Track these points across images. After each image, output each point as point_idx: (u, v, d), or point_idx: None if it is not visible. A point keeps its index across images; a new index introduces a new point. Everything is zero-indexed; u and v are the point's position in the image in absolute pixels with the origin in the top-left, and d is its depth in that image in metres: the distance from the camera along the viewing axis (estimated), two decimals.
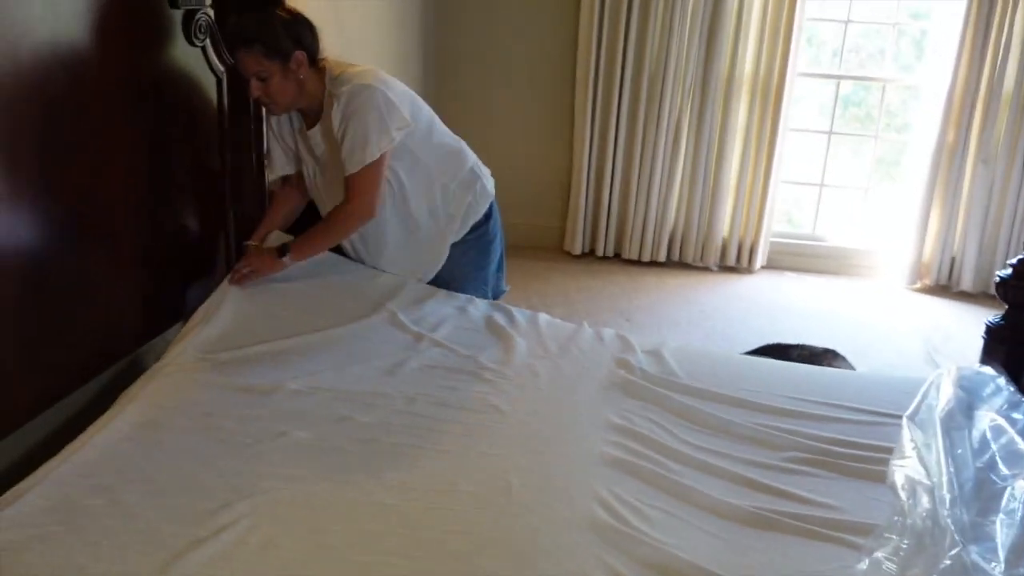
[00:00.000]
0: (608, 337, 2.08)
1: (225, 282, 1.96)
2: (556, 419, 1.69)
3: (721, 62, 4.08)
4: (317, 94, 1.97)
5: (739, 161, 4.24)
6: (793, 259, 4.44)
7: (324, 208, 2.11)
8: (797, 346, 2.85)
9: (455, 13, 4.37)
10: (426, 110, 2.15)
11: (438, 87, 4.47)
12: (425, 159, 2.10)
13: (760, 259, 4.37)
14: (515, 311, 2.18)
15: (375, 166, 1.93)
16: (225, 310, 1.89)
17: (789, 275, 4.36)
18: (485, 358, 1.90)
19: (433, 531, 1.31)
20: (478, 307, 2.18)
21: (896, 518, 1.20)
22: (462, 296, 2.21)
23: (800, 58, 4.11)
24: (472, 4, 4.35)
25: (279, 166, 2.14)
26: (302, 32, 1.92)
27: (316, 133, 2.01)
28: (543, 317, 2.17)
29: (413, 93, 2.12)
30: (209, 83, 1.97)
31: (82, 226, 1.60)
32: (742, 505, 1.41)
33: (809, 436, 1.64)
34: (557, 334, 2.08)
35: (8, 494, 1.33)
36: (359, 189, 1.95)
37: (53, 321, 1.54)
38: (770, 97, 4.09)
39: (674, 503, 1.41)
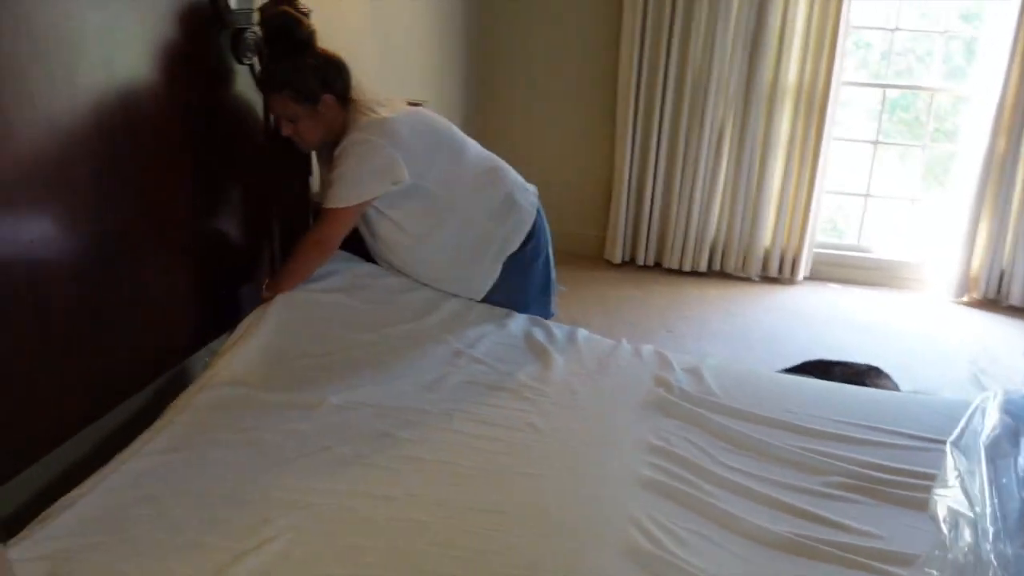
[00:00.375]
0: (647, 354, 2.08)
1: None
2: (594, 439, 1.69)
3: (765, 70, 4.04)
4: (345, 131, 2.00)
5: (782, 170, 4.20)
6: (837, 270, 4.38)
7: None
8: (840, 363, 2.82)
9: (497, 24, 4.39)
10: (447, 149, 2.13)
11: (480, 96, 4.50)
12: (445, 197, 2.09)
13: (803, 270, 4.32)
14: (553, 326, 2.19)
15: (345, 212, 1.96)
16: (269, 323, 1.92)
17: (833, 287, 4.31)
18: (524, 375, 1.91)
19: (469, 551, 1.32)
20: (517, 322, 2.19)
21: (937, 552, 1.18)
22: (501, 310, 2.22)
23: (846, 66, 4.05)
24: (513, 15, 4.36)
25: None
26: (331, 75, 1.97)
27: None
28: (582, 333, 2.17)
29: (436, 133, 2.12)
30: (256, 100, 2.01)
31: (133, 243, 1.64)
32: (780, 531, 1.40)
33: (850, 460, 1.63)
34: (595, 351, 2.09)
35: (60, 502, 1.37)
36: (325, 224, 1.98)
37: (105, 333, 1.58)
38: (814, 106, 4.04)
39: (711, 527, 1.40)
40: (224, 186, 1.95)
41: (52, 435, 1.48)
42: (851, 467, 1.60)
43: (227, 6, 1.83)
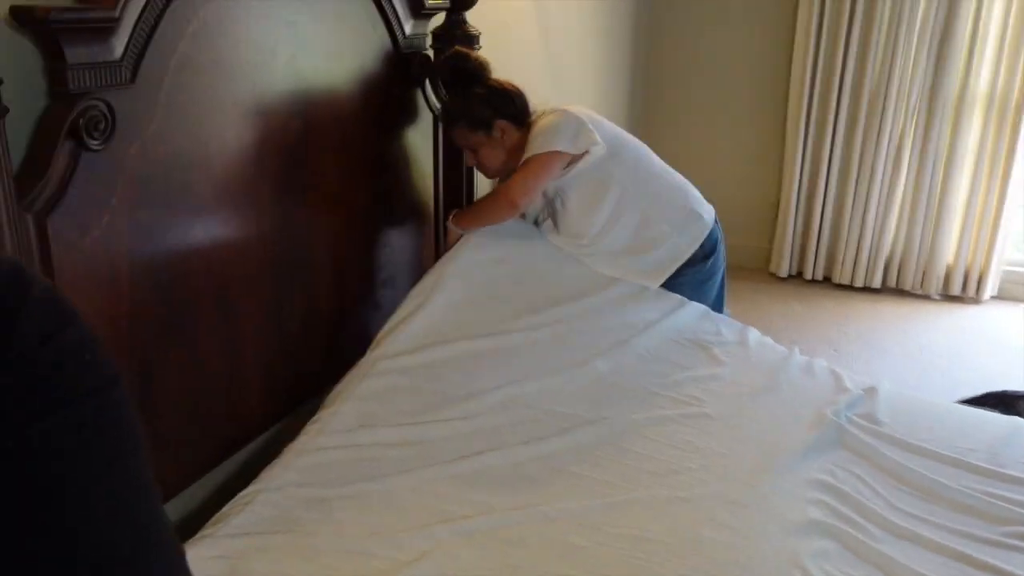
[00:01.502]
0: (820, 371, 1.99)
1: (438, 265, 2.02)
2: (756, 466, 1.63)
3: (952, 77, 3.78)
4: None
5: (969, 183, 3.91)
6: None
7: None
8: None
9: (665, 29, 4.34)
10: (632, 146, 2.21)
11: (645, 105, 4.47)
12: (630, 191, 2.14)
13: (990, 289, 4.01)
14: (724, 325, 2.15)
15: (539, 161, 2.01)
16: (437, 299, 1.93)
17: (1023, 307, 3.98)
18: (688, 381, 1.88)
19: None
20: (689, 313, 2.15)
21: None
22: (675, 297, 2.19)
23: None
24: (683, 21, 4.31)
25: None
26: (502, 103, 2.06)
27: None
28: (753, 334, 2.12)
29: (621, 134, 2.22)
30: (426, 119, 2.10)
31: (310, 259, 1.75)
32: None
33: None
34: (766, 359, 2.03)
35: (236, 500, 1.45)
36: (520, 173, 2.03)
37: (285, 339, 1.70)
38: (1007, 115, 3.74)
39: (875, 575, 1.34)
40: (394, 202, 2.05)
41: (239, 435, 1.61)
42: None
43: (403, 31, 1.92)
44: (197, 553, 1.31)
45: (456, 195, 2.25)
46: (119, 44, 1.21)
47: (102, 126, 1.20)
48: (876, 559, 1.36)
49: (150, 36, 1.26)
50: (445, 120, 2.10)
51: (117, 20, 1.20)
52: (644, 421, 1.74)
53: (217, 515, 1.43)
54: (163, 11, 1.28)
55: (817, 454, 1.67)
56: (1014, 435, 1.80)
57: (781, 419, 1.80)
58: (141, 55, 1.25)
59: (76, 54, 1.15)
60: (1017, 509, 1.50)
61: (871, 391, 1.91)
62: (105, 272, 1.25)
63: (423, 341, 1.86)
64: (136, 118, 1.27)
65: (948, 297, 4.08)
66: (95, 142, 1.19)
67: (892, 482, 1.59)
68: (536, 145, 2.02)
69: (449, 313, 1.94)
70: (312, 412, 1.80)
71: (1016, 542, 1.43)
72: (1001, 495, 1.54)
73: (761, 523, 1.46)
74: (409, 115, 2.03)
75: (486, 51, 2.32)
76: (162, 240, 1.35)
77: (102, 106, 1.19)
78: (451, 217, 2.11)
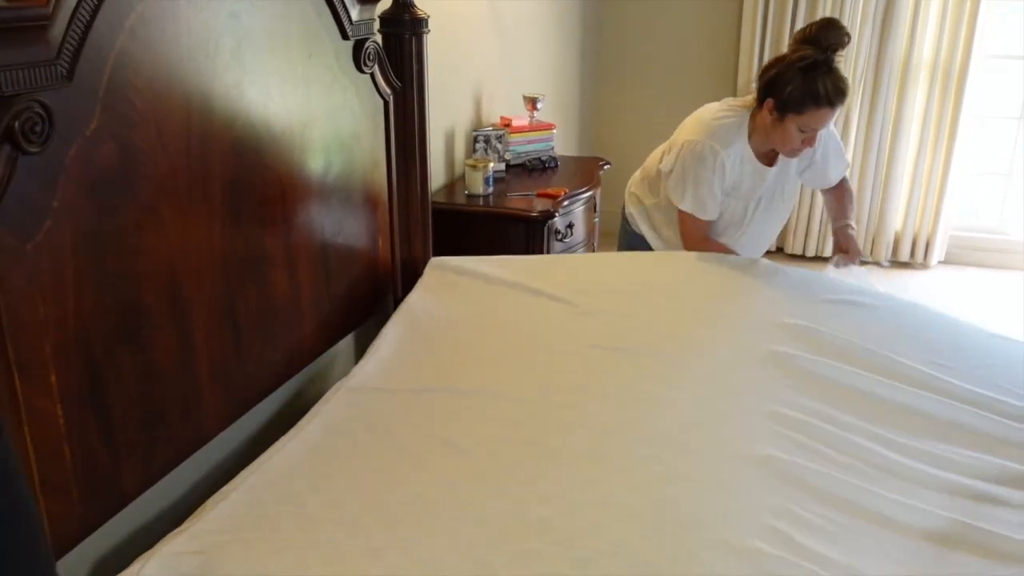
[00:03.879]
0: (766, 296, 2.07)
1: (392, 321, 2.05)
2: (714, 408, 1.64)
3: (897, 46, 3.85)
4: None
5: (915, 150, 4.00)
6: (975, 254, 4.16)
7: (745, 241, 2.41)
8: None
9: (614, 16, 4.34)
10: None
11: (597, 79, 4.47)
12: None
13: (937, 254, 4.11)
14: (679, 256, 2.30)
15: None
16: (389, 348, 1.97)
17: (970, 271, 4.08)
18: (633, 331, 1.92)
19: (587, 551, 1.30)
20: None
21: None
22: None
23: (988, 38, 3.80)
24: (632, 5, 4.30)
25: (713, 212, 2.34)
26: None
27: (775, 169, 2.33)
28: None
29: None
30: (377, 106, 2.08)
31: (263, 253, 1.72)
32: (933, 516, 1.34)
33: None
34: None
35: (212, 498, 1.46)
36: None
37: (241, 335, 1.68)
38: (951, 82, 3.82)
39: (846, 517, 1.35)
40: (350, 188, 2.03)
41: (199, 435, 1.59)
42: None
43: (349, 18, 1.89)
44: (170, 549, 1.32)
45: (409, 182, 2.23)
46: (54, 42, 1.18)
47: (39, 128, 1.16)
48: (846, 499, 1.39)
49: (86, 32, 1.23)
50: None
51: (50, 17, 1.16)
52: (597, 376, 1.76)
53: (195, 512, 1.43)
54: (98, 6, 1.24)
55: (773, 388, 1.70)
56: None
57: (733, 353, 1.83)
58: (78, 52, 1.22)
59: (8, 55, 1.11)
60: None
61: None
62: (49, 277, 1.22)
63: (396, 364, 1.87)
64: (75, 118, 1.23)
65: (897, 263, 4.17)
66: (32, 145, 1.15)
67: (853, 408, 1.63)
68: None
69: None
70: (270, 409, 1.79)
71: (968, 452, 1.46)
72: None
73: (721, 473, 1.47)
74: (360, 102, 2.00)
75: (435, 32, 2.31)
76: (108, 243, 1.32)
77: (38, 107, 1.16)
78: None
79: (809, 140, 2.19)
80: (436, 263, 2.24)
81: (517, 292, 2.11)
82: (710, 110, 2.35)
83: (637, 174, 2.62)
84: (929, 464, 1.48)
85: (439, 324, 2.04)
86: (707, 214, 2.31)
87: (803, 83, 2.09)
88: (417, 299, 2.13)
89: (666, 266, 2.20)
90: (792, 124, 2.15)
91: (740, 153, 2.27)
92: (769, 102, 2.17)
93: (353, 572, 1.30)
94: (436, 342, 1.98)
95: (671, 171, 2.32)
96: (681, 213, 2.34)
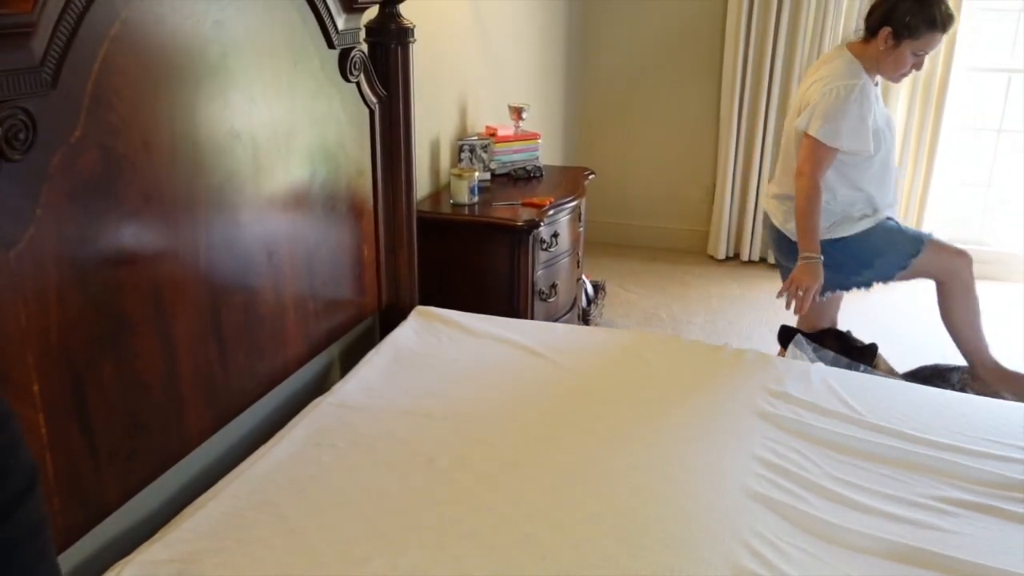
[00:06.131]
0: (751, 359, 2.05)
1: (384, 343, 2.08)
2: (700, 448, 1.68)
3: None
4: None
5: (897, 161, 4.03)
6: None
7: (888, 185, 2.64)
8: (957, 368, 2.70)
9: (598, 17, 4.36)
10: None
11: (582, 89, 4.49)
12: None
13: None
14: (653, 336, 2.19)
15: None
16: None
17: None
18: (622, 389, 1.92)
19: (572, 566, 1.33)
20: (612, 334, 2.20)
21: None
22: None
23: (968, 51, 3.85)
24: (616, 7, 4.33)
25: (842, 140, 2.49)
26: None
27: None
28: (684, 341, 2.17)
29: None
30: (363, 115, 2.08)
31: (248, 261, 1.72)
32: (889, 539, 1.38)
33: (967, 473, 1.58)
34: (697, 356, 2.08)
35: (189, 508, 1.46)
36: None
37: (228, 341, 1.67)
38: (932, 93, 3.86)
39: (817, 543, 1.38)
40: (335, 196, 2.02)
41: (182, 445, 1.58)
42: (967, 483, 1.56)
43: (335, 27, 1.89)
44: (147, 557, 1.32)
45: (394, 191, 2.23)
46: (38, 49, 1.17)
47: (23, 135, 1.15)
48: (815, 526, 1.42)
49: (71, 39, 1.22)
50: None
51: (35, 24, 1.15)
52: (588, 419, 1.77)
53: (172, 520, 1.43)
54: (84, 13, 1.24)
55: (758, 433, 1.73)
56: (944, 408, 1.88)
57: (720, 405, 1.84)
58: (62, 59, 1.21)
59: None
60: (947, 476, 1.57)
61: (804, 373, 1.97)
62: (32, 286, 1.21)
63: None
64: (59, 125, 1.22)
65: None
66: (16, 152, 1.15)
67: (831, 453, 1.65)
68: None
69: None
70: (252, 421, 1.78)
71: (947, 506, 1.49)
72: (936, 457, 1.62)
73: (704, 500, 1.50)
74: (345, 111, 2.00)
75: (421, 42, 2.31)
76: (92, 251, 1.31)
77: (22, 114, 1.15)
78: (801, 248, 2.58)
79: (919, 63, 2.53)
80: (421, 311, 2.27)
81: (499, 344, 2.13)
82: (820, 66, 2.61)
83: (772, 183, 2.85)
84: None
85: (422, 358, 2.07)
86: (836, 140, 2.46)
87: (920, 10, 2.42)
88: (401, 335, 2.15)
89: (653, 345, 2.18)
90: (907, 49, 2.47)
91: (867, 81, 2.51)
92: (885, 31, 2.47)
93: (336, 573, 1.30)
94: (418, 372, 2.00)
95: (810, 117, 2.49)
96: (807, 139, 2.50)
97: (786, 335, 2.74)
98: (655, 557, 1.35)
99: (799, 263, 2.50)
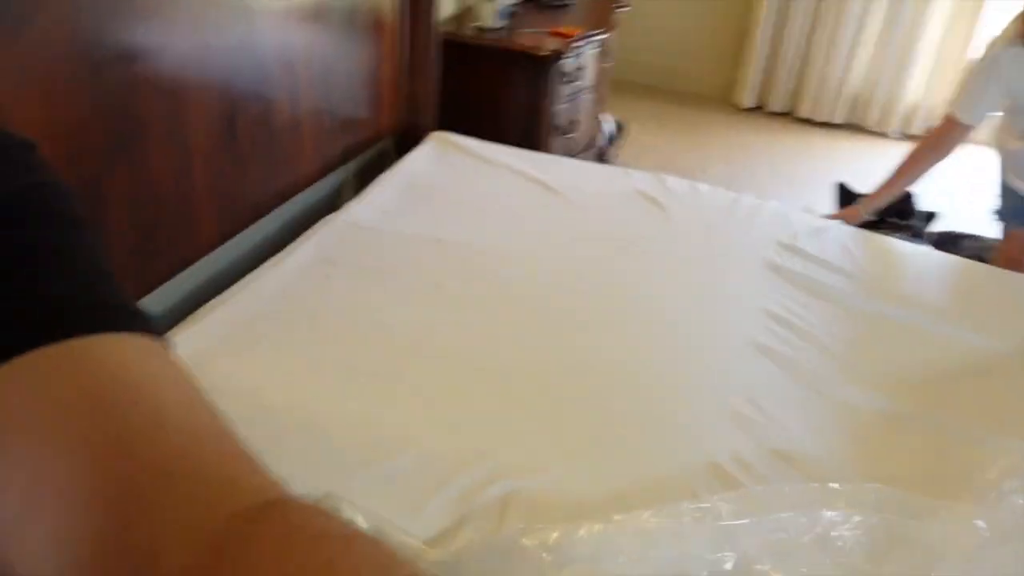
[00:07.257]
0: (771, 212, 2.03)
1: None
2: (709, 303, 1.68)
3: None
4: None
5: (945, 20, 3.84)
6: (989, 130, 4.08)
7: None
8: (970, 236, 2.68)
9: None
10: None
11: None
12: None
13: None
14: (671, 180, 2.15)
15: None
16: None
17: (984, 148, 4.02)
18: (635, 233, 1.91)
19: (571, 400, 1.35)
20: (631, 176, 2.16)
21: None
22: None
23: None
24: None
25: (976, 113, 2.24)
26: None
27: None
28: (702, 187, 2.13)
29: None
30: None
31: (264, 69, 1.66)
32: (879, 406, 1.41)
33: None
34: (715, 204, 2.05)
35: (200, 310, 1.47)
36: None
37: (242, 153, 1.65)
38: None
39: (815, 399, 1.42)
40: (355, 71, 1.94)
41: (194, 251, 1.59)
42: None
43: None
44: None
45: (416, 7, 2.14)
46: None
47: None
48: (812, 381, 1.45)
49: None
50: None
51: None
52: (595, 270, 1.75)
53: (185, 320, 1.45)
54: None
55: (769, 290, 1.73)
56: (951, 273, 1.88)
57: (732, 260, 1.84)
58: None
59: None
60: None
61: (820, 231, 1.95)
62: (39, 81, 1.17)
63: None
64: None
65: (909, 136, 4.09)
66: None
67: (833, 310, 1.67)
68: None
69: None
70: (262, 232, 1.78)
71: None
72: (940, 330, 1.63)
73: (710, 352, 1.52)
74: None
75: None
76: (106, 48, 1.26)
77: None
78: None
79: None
80: (438, 136, 2.20)
81: (516, 176, 2.09)
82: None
83: None
84: None
85: (436, 183, 2.03)
86: (960, 112, 2.26)
87: None
88: (417, 159, 2.11)
89: (671, 190, 2.11)
90: None
91: (1018, 56, 2.16)
92: None
93: (339, 385, 1.33)
94: (432, 198, 1.97)
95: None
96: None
97: (846, 196, 2.68)
98: (656, 398, 1.38)
99: None
